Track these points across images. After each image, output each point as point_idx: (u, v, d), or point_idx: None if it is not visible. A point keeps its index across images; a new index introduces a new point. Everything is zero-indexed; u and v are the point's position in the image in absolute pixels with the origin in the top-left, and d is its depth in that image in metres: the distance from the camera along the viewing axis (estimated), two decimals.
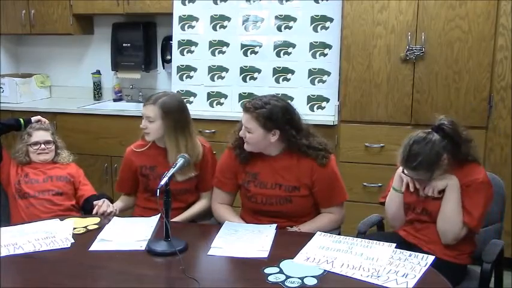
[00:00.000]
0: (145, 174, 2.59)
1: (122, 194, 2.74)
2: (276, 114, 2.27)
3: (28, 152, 2.79)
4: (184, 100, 4.01)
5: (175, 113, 2.49)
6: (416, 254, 1.96)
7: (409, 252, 1.97)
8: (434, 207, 2.20)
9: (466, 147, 2.20)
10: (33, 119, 2.90)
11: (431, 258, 1.92)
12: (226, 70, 4.05)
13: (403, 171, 2.23)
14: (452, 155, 2.17)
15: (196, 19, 4.10)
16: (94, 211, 2.49)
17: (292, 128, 2.30)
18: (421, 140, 2.15)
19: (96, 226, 2.31)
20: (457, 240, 2.17)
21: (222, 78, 4.06)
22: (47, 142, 2.82)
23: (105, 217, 2.45)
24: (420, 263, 1.89)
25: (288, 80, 3.94)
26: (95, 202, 2.53)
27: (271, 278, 1.81)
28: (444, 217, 2.17)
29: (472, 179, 2.17)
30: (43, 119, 2.94)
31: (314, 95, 3.90)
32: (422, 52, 3.37)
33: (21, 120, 2.87)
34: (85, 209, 2.75)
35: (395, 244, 2.02)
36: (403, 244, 2.14)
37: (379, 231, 2.57)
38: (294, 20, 3.92)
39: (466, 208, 2.16)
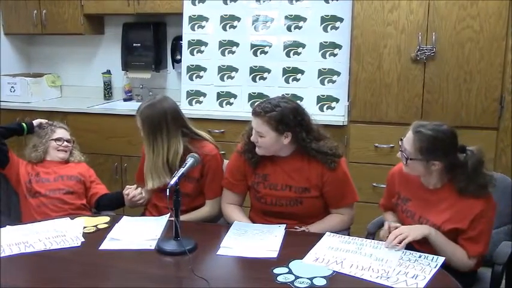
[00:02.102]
0: None
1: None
2: (287, 117, 2.25)
3: (48, 148, 2.83)
4: (194, 100, 4.11)
5: (149, 123, 2.48)
6: (426, 255, 1.95)
7: (418, 254, 1.95)
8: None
9: (477, 184, 2.04)
10: (35, 122, 2.92)
11: (441, 259, 1.91)
12: (236, 70, 4.06)
13: (400, 140, 2.13)
14: (453, 176, 2.07)
15: (206, 19, 4.11)
16: (125, 191, 2.56)
17: (303, 130, 2.28)
18: (447, 130, 2.05)
19: (106, 225, 2.32)
20: (471, 267, 2.09)
21: (232, 78, 4.07)
22: (67, 140, 2.89)
23: (134, 202, 2.55)
24: (430, 264, 1.88)
25: (297, 80, 3.94)
26: (127, 186, 2.59)
27: (280, 278, 1.81)
28: (447, 261, 2.01)
29: (473, 213, 2.04)
30: (44, 121, 2.97)
31: (324, 95, 3.89)
32: (433, 52, 3.35)
33: (24, 124, 2.90)
34: (99, 205, 2.79)
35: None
36: (411, 248, 2.10)
37: None
38: (304, 20, 3.91)
39: (473, 239, 2.05)
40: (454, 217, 2.07)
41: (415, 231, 2.02)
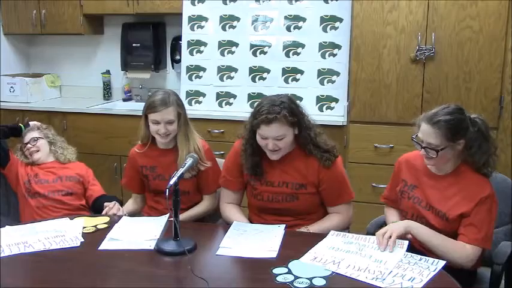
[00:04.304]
0: (145, 175, 2.62)
1: (131, 192, 2.75)
2: (294, 108, 2.28)
3: (25, 152, 2.85)
4: (194, 100, 4.12)
5: (184, 110, 2.55)
6: (427, 258, 1.93)
7: (419, 256, 1.94)
8: (429, 217, 2.15)
9: (487, 151, 2.10)
10: (31, 123, 2.95)
11: (441, 263, 1.89)
12: (236, 70, 4.06)
13: (414, 137, 2.12)
14: (470, 149, 2.09)
15: (206, 19, 4.11)
16: (104, 212, 2.51)
17: (302, 114, 2.32)
18: (457, 109, 2.10)
19: (106, 225, 2.32)
20: (474, 261, 2.06)
21: (231, 78, 4.07)
22: (33, 140, 2.84)
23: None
24: (430, 267, 1.86)
25: (297, 80, 3.94)
26: (105, 204, 2.55)
27: (279, 279, 1.81)
28: (441, 255, 2.01)
29: (479, 195, 2.07)
30: (38, 123, 2.97)
31: (323, 95, 3.89)
32: (432, 52, 3.36)
33: (22, 125, 2.92)
34: (94, 208, 2.77)
35: (407, 245, 1.99)
36: (412, 249, 2.09)
37: None
38: (304, 20, 3.91)
39: (474, 225, 2.05)
40: (461, 201, 2.09)
41: (397, 227, 2.05)
